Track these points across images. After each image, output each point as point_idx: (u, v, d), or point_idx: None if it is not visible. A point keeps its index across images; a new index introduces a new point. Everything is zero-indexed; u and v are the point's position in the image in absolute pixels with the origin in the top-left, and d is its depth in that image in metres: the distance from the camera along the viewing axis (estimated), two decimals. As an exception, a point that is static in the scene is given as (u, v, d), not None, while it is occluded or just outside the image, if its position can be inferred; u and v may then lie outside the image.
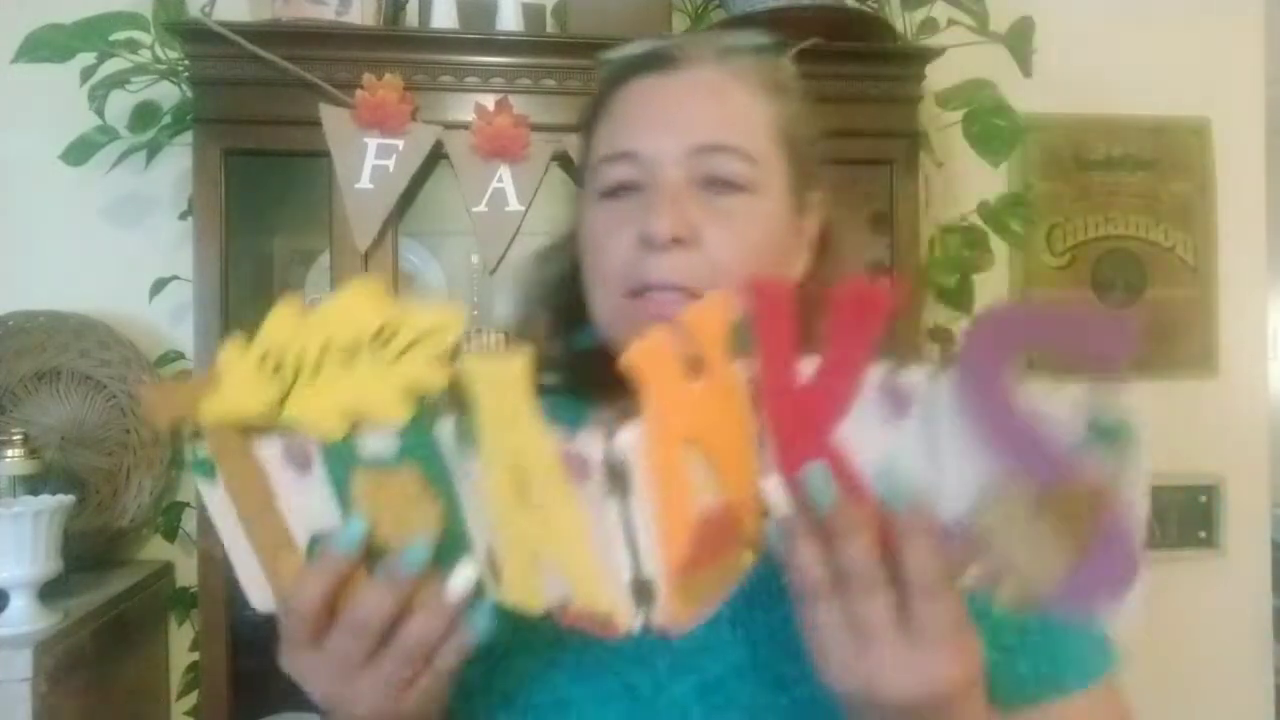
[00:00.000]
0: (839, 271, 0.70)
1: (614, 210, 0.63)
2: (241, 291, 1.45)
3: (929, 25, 1.56)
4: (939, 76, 1.55)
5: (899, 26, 1.57)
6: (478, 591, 0.48)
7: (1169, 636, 1.89)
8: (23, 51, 1.37)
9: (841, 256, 0.72)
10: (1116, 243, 1.91)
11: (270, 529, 0.50)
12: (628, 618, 0.46)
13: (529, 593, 0.47)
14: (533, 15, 1.51)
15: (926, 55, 1.49)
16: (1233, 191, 1.94)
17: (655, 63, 0.66)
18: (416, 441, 0.46)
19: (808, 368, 0.45)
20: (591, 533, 0.44)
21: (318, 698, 0.51)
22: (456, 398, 0.45)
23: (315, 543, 0.50)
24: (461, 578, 0.47)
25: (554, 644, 0.62)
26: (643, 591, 0.45)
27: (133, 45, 1.41)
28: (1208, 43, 1.92)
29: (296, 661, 0.51)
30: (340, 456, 0.47)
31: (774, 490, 0.46)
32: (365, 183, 1.33)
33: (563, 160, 1.37)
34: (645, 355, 0.43)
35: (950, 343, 1.64)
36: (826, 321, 0.44)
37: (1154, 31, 1.90)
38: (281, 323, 0.47)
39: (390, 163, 1.33)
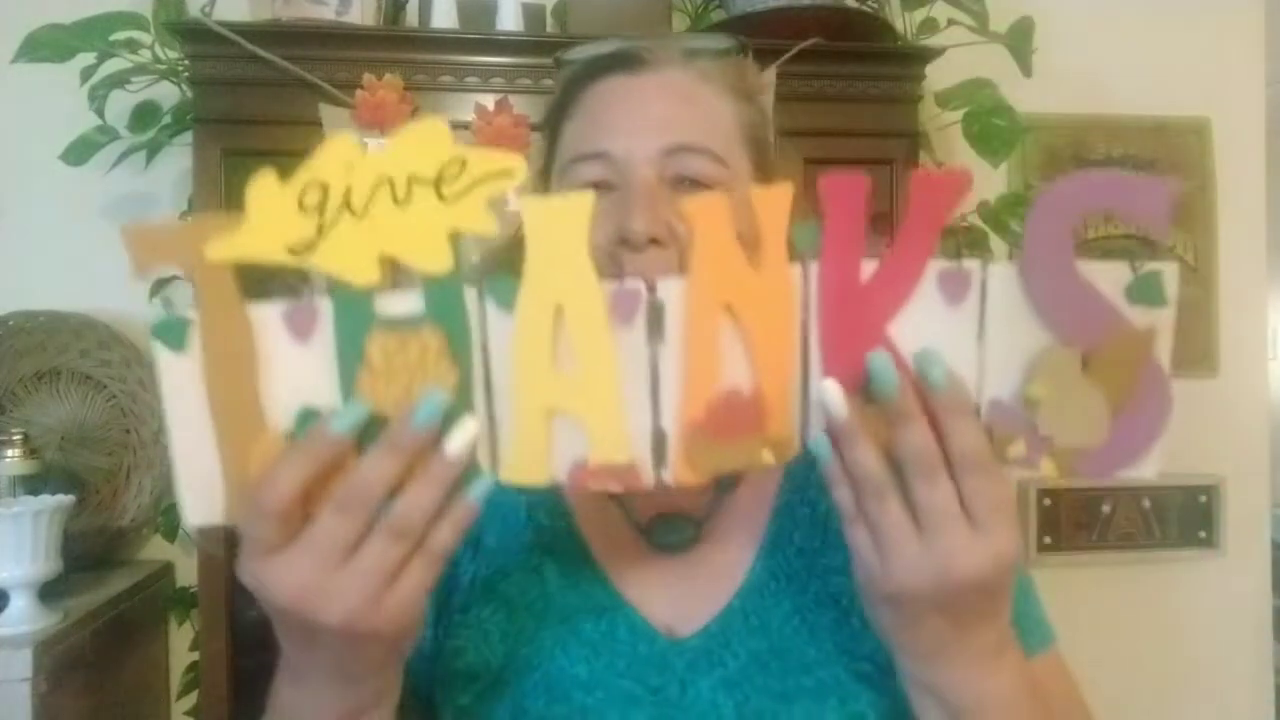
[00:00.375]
0: None
1: None
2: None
3: (929, 25, 1.56)
4: (939, 76, 1.55)
5: (899, 26, 1.57)
6: (475, 470, 0.46)
7: (1169, 636, 1.89)
8: (23, 51, 1.37)
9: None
10: (1116, 243, 1.91)
11: (243, 410, 0.45)
12: (648, 470, 0.46)
13: (534, 466, 0.46)
14: (533, 15, 1.51)
15: (926, 55, 1.49)
16: (1233, 191, 1.94)
17: (623, 63, 0.66)
18: (445, 299, 0.44)
19: (868, 267, 0.46)
20: (624, 378, 0.45)
21: (283, 604, 0.45)
22: (497, 255, 0.45)
23: (305, 419, 0.45)
24: (462, 432, 0.44)
25: (559, 658, 0.61)
26: (658, 445, 0.46)
27: (133, 45, 1.41)
28: (1208, 43, 1.92)
29: (261, 566, 0.46)
30: (357, 313, 0.44)
31: (831, 390, 0.46)
32: (365, 183, 1.33)
33: (563, 160, 1.37)
34: (701, 211, 0.45)
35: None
36: (902, 210, 0.46)
37: (1154, 31, 1.90)
38: (335, 155, 0.44)
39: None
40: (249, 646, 1.38)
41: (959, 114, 1.52)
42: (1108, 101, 1.88)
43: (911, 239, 0.45)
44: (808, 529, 0.66)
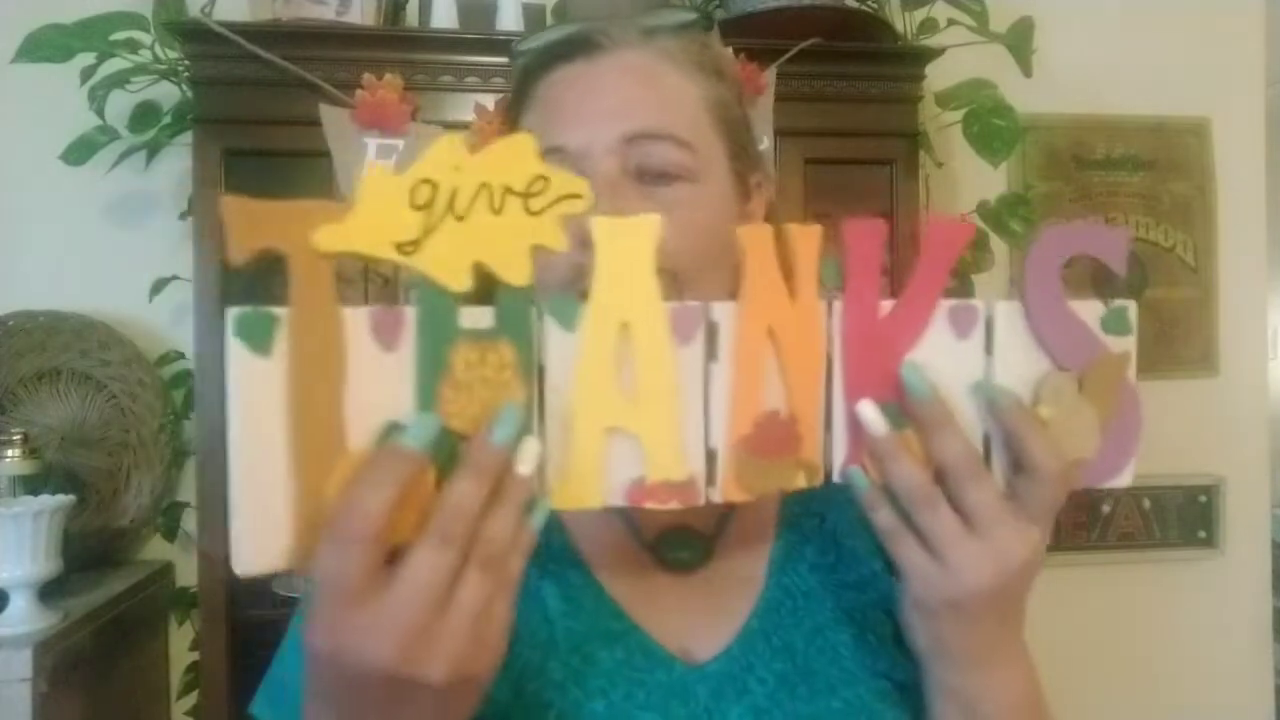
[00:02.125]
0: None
1: None
2: (241, 291, 1.45)
3: (929, 25, 1.56)
4: (939, 76, 1.55)
5: (899, 26, 1.57)
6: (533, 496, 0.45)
7: (1169, 636, 1.89)
8: (23, 51, 1.37)
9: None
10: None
11: (326, 427, 0.41)
12: (703, 486, 0.48)
13: (588, 489, 0.46)
14: (533, 15, 1.51)
15: (926, 55, 1.49)
16: (1233, 191, 1.94)
17: (577, 48, 0.61)
18: (517, 314, 0.44)
19: (885, 305, 0.50)
20: (682, 395, 0.46)
21: (382, 665, 0.38)
22: (565, 275, 0.46)
23: (388, 435, 0.42)
24: (529, 453, 0.43)
25: (573, 691, 0.56)
26: (710, 462, 0.48)
27: (133, 45, 1.41)
28: (1208, 43, 1.92)
29: (346, 622, 0.38)
30: (442, 322, 0.43)
31: (869, 410, 0.49)
32: (365, 183, 1.32)
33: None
34: (752, 238, 0.48)
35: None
36: (914, 254, 0.51)
37: (1154, 31, 1.90)
38: (446, 154, 0.43)
39: (390, 163, 1.33)
40: (249, 646, 1.38)
41: (959, 114, 1.52)
42: (1108, 101, 1.88)
43: (924, 280, 0.50)
44: (818, 543, 0.64)
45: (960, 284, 1.61)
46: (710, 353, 0.47)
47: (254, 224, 0.40)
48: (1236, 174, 1.94)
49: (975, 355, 0.51)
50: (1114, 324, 0.51)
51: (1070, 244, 0.50)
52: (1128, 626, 1.87)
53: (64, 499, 1.25)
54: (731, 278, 0.61)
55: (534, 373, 0.45)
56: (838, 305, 0.50)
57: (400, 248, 0.42)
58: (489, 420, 0.43)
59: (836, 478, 0.51)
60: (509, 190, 0.43)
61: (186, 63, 1.36)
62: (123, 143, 1.46)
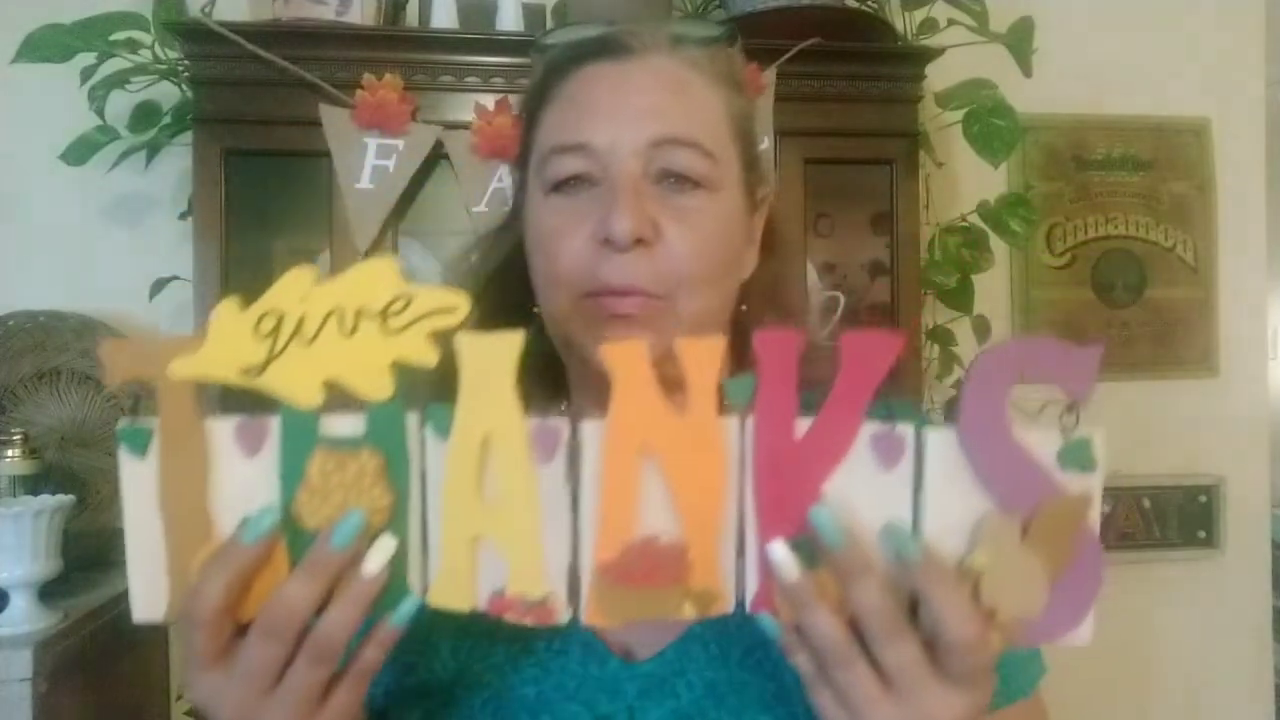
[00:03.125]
0: (784, 269, 0.72)
1: (566, 206, 0.60)
2: (241, 291, 1.45)
3: (929, 25, 1.56)
4: (939, 76, 1.55)
5: (899, 26, 1.57)
6: (401, 587, 0.47)
7: (1169, 636, 1.89)
8: (23, 51, 1.37)
9: (786, 254, 0.71)
10: (1116, 243, 1.91)
11: (192, 518, 0.48)
12: (561, 607, 0.47)
13: (460, 591, 0.48)
14: (533, 15, 1.51)
15: (926, 55, 1.49)
16: (1233, 191, 1.94)
17: (608, 49, 0.61)
18: (386, 424, 0.47)
19: (802, 425, 0.45)
20: (542, 514, 0.47)
21: None
22: (439, 382, 0.47)
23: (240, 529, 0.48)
24: (379, 552, 0.46)
25: (509, 676, 0.59)
26: (574, 583, 0.47)
27: (133, 45, 1.41)
28: (1208, 43, 1.92)
29: (199, 683, 0.46)
30: (301, 431, 0.47)
31: (780, 553, 0.45)
32: (365, 183, 1.33)
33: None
34: (620, 357, 0.46)
35: (950, 342, 1.64)
36: (834, 372, 0.45)
37: (1154, 31, 1.90)
38: (292, 286, 0.47)
39: (390, 163, 1.33)
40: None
41: (959, 114, 1.52)
42: (1108, 101, 1.88)
43: (844, 399, 0.45)
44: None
45: (961, 284, 1.62)
46: (573, 473, 0.47)
47: (125, 360, 0.48)
48: (1236, 174, 1.94)
49: (901, 490, 0.45)
50: (1074, 459, 0.43)
51: (1024, 362, 0.42)
52: (1128, 626, 1.87)
53: (64, 499, 1.25)
54: (732, 287, 0.64)
55: (408, 477, 0.47)
56: (750, 423, 0.46)
57: (246, 372, 0.47)
58: (330, 525, 0.46)
59: (749, 610, 0.47)
60: (363, 313, 0.46)
61: (186, 63, 1.36)
62: (123, 143, 1.46)
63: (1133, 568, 1.87)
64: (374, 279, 0.47)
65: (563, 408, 0.67)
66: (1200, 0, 1.92)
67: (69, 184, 1.54)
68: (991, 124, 1.48)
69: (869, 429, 0.45)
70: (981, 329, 1.65)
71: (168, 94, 1.49)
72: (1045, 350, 0.42)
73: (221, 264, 1.34)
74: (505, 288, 0.67)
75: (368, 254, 1.34)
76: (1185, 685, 1.89)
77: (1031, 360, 0.42)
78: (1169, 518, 1.88)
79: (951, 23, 1.53)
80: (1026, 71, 1.54)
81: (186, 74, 1.38)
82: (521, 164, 0.66)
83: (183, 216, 1.48)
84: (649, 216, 0.57)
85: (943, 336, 1.63)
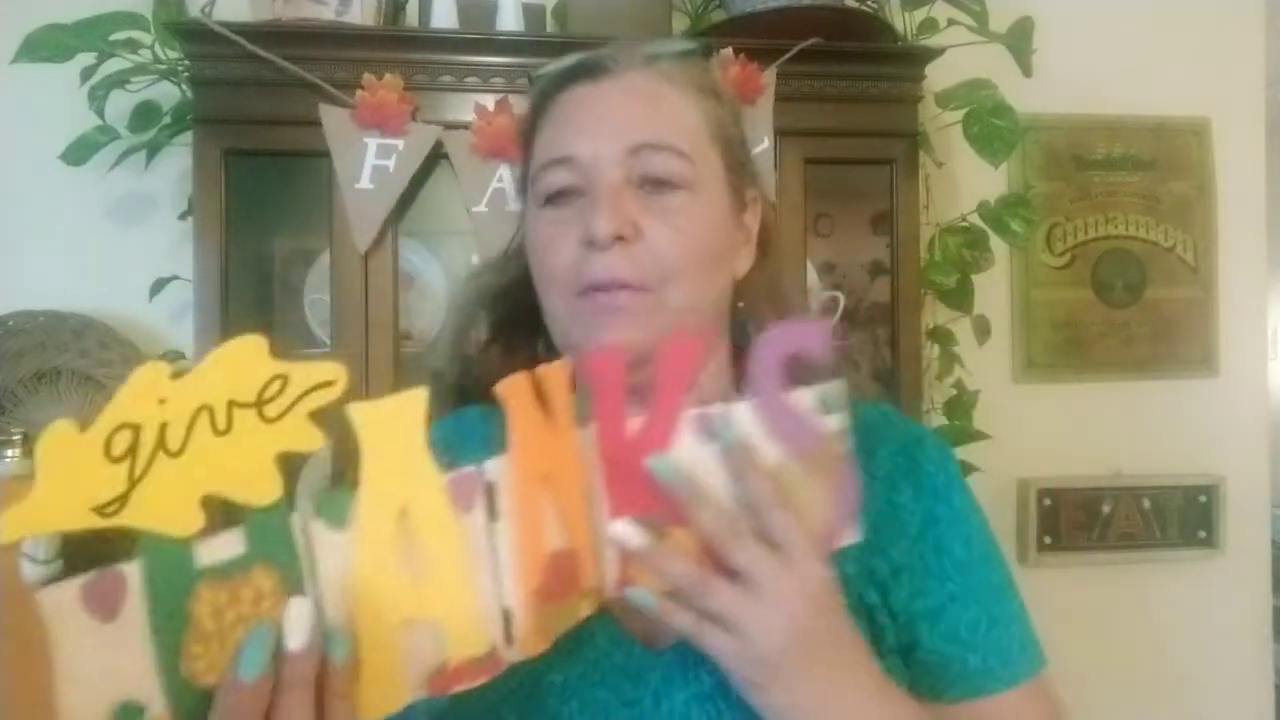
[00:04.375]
0: (781, 266, 0.76)
1: (556, 216, 0.65)
2: (241, 291, 1.45)
3: (929, 25, 1.56)
4: (939, 76, 1.55)
5: (899, 26, 1.57)
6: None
7: (1169, 636, 1.89)
8: (23, 51, 1.37)
9: (783, 252, 0.76)
10: (1116, 243, 1.91)
11: (36, 708, 0.39)
12: (505, 650, 0.47)
13: (392, 692, 0.43)
14: (533, 15, 1.51)
15: (926, 55, 1.49)
16: (1233, 191, 1.94)
17: (586, 72, 0.67)
18: (270, 532, 0.41)
19: (635, 423, 0.51)
20: (472, 566, 0.45)
21: None
22: (336, 461, 0.43)
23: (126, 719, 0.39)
24: (297, 617, 0.40)
25: (537, 664, 0.59)
26: (507, 623, 0.47)
27: (133, 45, 1.41)
28: (1208, 43, 1.92)
29: None
30: (174, 570, 0.39)
31: (621, 528, 0.50)
32: (365, 183, 1.33)
33: (563, 160, 1.37)
34: (509, 391, 0.47)
35: (950, 342, 1.64)
36: (652, 374, 0.52)
37: (1154, 31, 1.90)
38: (144, 388, 0.38)
39: (390, 163, 1.33)
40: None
41: (959, 114, 1.52)
42: (1108, 101, 1.88)
43: (665, 397, 0.52)
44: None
45: (960, 284, 1.62)
46: (491, 513, 0.47)
47: None
48: (1236, 174, 1.94)
49: (720, 455, 0.53)
50: (828, 405, 0.54)
51: (783, 345, 0.53)
52: (1128, 626, 1.87)
53: (64, 499, 1.25)
54: (722, 281, 0.68)
55: (307, 585, 0.41)
56: (592, 431, 0.50)
57: (102, 510, 0.38)
58: (231, 661, 0.39)
59: (612, 591, 0.51)
60: (236, 404, 0.39)
61: (186, 63, 1.36)
62: (123, 143, 1.46)
63: (1133, 568, 1.87)
64: (240, 362, 0.40)
65: None
66: (1200, 0, 1.92)
67: (69, 184, 1.54)
68: (991, 124, 1.49)
69: (689, 415, 0.52)
70: (981, 329, 1.65)
71: (168, 94, 1.49)
72: (792, 331, 0.54)
73: (221, 264, 1.34)
74: (518, 303, 0.73)
75: (368, 254, 1.34)
76: (1185, 685, 1.89)
77: (787, 341, 0.53)
78: (1169, 518, 1.88)
79: (951, 23, 1.53)
80: (1026, 71, 1.54)
81: (186, 74, 1.38)
82: (522, 186, 0.72)
83: (183, 216, 1.48)
84: (629, 217, 0.62)
85: (943, 336, 1.63)
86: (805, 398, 0.53)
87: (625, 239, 0.61)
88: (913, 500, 0.65)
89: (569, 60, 0.69)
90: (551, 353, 0.70)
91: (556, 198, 0.65)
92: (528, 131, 0.71)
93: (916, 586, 0.63)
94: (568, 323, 0.65)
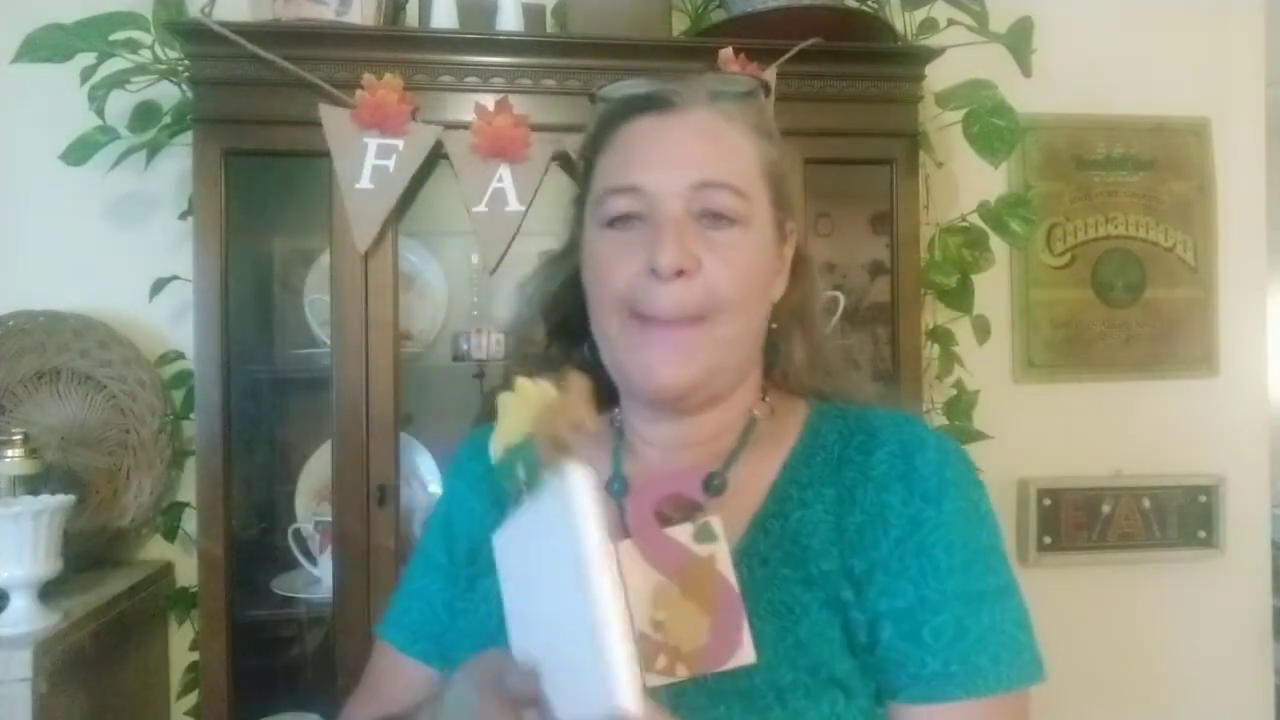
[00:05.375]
0: (811, 289, 0.80)
1: (618, 239, 0.69)
2: (241, 291, 1.45)
3: (929, 25, 1.56)
4: (939, 76, 1.55)
5: (899, 26, 1.57)
6: None
7: (1169, 636, 1.89)
8: (23, 51, 1.37)
9: (812, 276, 0.80)
10: (1116, 243, 1.91)
11: None
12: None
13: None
14: (533, 15, 1.51)
15: (926, 55, 1.49)
16: (1233, 191, 1.94)
17: (654, 103, 0.71)
18: None
19: None
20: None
21: None
22: None
23: None
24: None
25: None
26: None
27: (133, 45, 1.41)
28: (1208, 43, 1.92)
29: None
30: None
31: None
32: (365, 183, 1.33)
33: (563, 160, 1.37)
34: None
35: (950, 342, 1.64)
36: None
37: (1154, 31, 1.90)
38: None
39: (390, 163, 1.33)
40: (249, 646, 1.38)
41: (959, 114, 1.52)
42: (1108, 101, 1.88)
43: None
44: (776, 540, 0.68)
45: (961, 284, 1.62)
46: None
47: None
48: (1236, 174, 1.94)
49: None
50: (702, 537, 0.59)
51: (656, 491, 0.60)
52: (1128, 626, 1.87)
53: (64, 499, 1.25)
54: (763, 311, 0.73)
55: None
56: None
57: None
58: None
59: None
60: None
61: (186, 63, 1.36)
62: (123, 143, 1.46)
63: (1133, 568, 1.87)
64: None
65: (614, 413, 0.78)
66: (1200, 0, 1.92)
67: (69, 184, 1.54)
68: (991, 124, 1.48)
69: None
70: (981, 329, 1.65)
71: (168, 94, 1.49)
72: (663, 478, 0.65)
73: (221, 264, 1.34)
74: (564, 310, 0.79)
75: (368, 254, 1.34)
76: (1185, 685, 1.89)
77: (658, 487, 0.60)
78: (1169, 518, 1.88)
79: (951, 23, 1.53)
80: (1026, 71, 1.54)
81: (186, 74, 1.38)
82: (579, 202, 0.76)
83: (183, 216, 1.48)
84: (690, 250, 0.66)
85: (943, 336, 1.63)
86: (684, 531, 0.59)
87: (686, 272, 0.66)
88: (902, 503, 0.65)
89: (636, 88, 0.73)
90: (594, 354, 0.74)
91: (618, 221, 0.69)
92: (590, 154, 0.75)
93: (888, 586, 0.63)
94: (617, 340, 0.70)
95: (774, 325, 0.76)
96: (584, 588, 0.48)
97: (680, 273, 0.65)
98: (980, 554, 0.65)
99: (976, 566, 0.64)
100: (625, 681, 0.46)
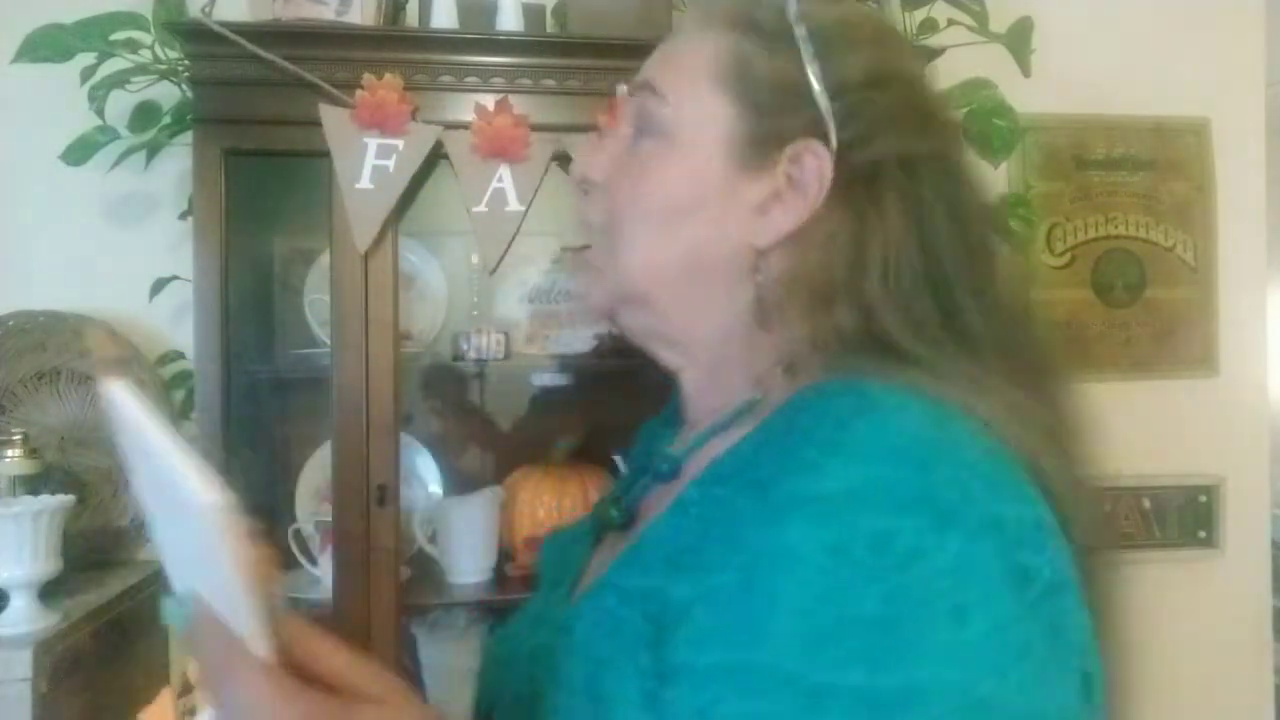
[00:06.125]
0: (859, 239, 0.51)
1: None
2: (241, 291, 1.45)
3: (929, 25, 1.56)
4: (939, 76, 1.55)
5: (899, 26, 1.57)
6: None
7: (1169, 636, 1.89)
8: (23, 51, 1.37)
9: (838, 246, 0.51)
10: (1116, 243, 1.91)
11: None
12: None
13: None
14: (533, 15, 1.51)
15: (926, 55, 1.48)
16: (1233, 191, 1.94)
17: None
18: None
19: None
20: None
21: None
22: None
23: None
24: None
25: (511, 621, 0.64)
26: None
27: (133, 45, 1.41)
28: (1208, 43, 1.92)
29: None
30: None
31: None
32: (365, 183, 1.33)
33: (563, 160, 1.37)
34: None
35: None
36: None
37: (1154, 31, 1.90)
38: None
39: (390, 163, 1.33)
40: (249, 646, 1.38)
41: (959, 114, 1.52)
42: (1108, 101, 1.88)
43: None
44: (682, 528, 0.48)
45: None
46: None
47: None
48: (1236, 174, 1.94)
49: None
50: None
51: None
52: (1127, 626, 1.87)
53: (64, 499, 1.25)
54: (715, 253, 0.54)
55: None
56: None
57: None
58: None
59: None
60: None
61: (186, 63, 1.36)
62: (123, 143, 1.46)
63: (1133, 568, 1.86)
64: None
65: None
66: (1200, 1, 1.92)
67: (69, 184, 1.54)
68: (991, 124, 1.49)
69: None
70: (981, 329, 1.65)
71: (168, 94, 1.49)
72: None
73: (221, 264, 1.34)
74: None
75: (368, 254, 1.34)
76: (1185, 685, 1.89)
77: None
78: (1169, 518, 1.88)
79: (951, 23, 1.53)
80: (1026, 71, 1.54)
81: (186, 74, 1.38)
82: None
83: (183, 216, 1.48)
84: (598, 161, 0.58)
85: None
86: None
87: (589, 182, 0.58)
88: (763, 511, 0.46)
89: None
90: None
91: None
92: None
93: (701, 632, 0.41)
94: None
95: (759, 277, 0.53)
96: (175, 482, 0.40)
97: (588, 183, 0.57)
98: (854, 627, 0.38)
99: (834, 644, 0.37)
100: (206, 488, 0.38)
